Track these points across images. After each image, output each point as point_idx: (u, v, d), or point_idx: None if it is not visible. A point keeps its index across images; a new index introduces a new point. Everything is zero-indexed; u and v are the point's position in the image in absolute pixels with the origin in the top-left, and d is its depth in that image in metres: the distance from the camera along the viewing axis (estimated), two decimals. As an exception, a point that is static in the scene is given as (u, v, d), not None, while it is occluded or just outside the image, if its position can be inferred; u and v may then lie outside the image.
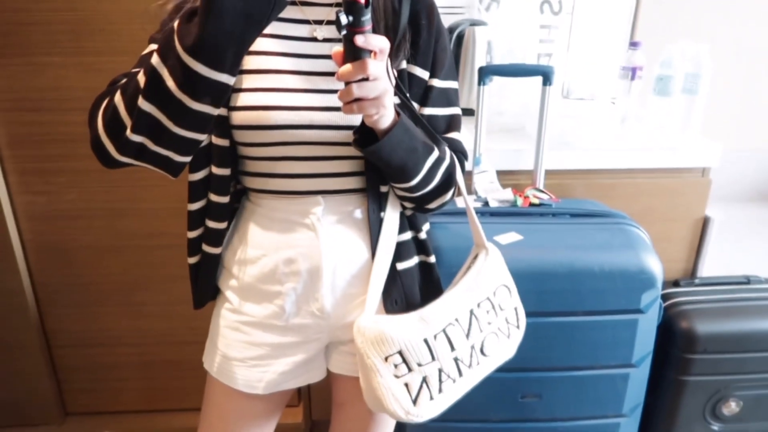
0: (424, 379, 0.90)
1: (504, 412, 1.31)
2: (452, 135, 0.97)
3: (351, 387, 1.00)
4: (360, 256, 0.93)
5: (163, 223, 1.60)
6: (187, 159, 0.82)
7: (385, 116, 0.79)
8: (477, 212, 1.35)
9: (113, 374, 1.77)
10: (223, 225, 0.94)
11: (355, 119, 0.84)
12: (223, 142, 0.88)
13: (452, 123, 0.97)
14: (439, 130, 0.96)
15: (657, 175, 1.56)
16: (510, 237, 1.25)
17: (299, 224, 0.91)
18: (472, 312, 0.95)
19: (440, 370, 0.91)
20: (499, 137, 1.58)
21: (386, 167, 0.86)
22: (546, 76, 1.37)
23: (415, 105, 0.93)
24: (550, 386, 1.29)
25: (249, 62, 0.86)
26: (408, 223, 0.98)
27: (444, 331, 0.91)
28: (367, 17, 0.71)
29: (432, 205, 0.96)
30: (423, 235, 1.00)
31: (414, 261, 0.98)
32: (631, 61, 1.64)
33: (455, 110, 0.98)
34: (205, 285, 1.00)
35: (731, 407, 1.52)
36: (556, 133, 1.53)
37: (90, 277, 1.65)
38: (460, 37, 1.74)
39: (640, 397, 1.35)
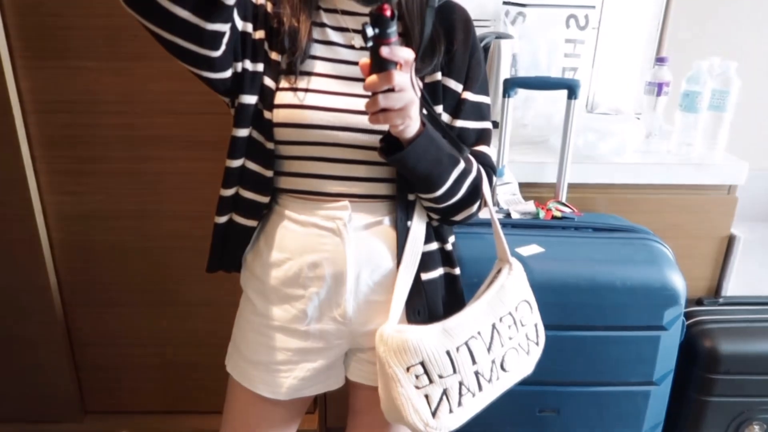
0: (445, 392, 0.90)
1: (521, 427, 1.30)
2: (481, 148, 0.98)
3: (368, 396, 1.00)
4: (385, 264, 0.94)
5: (187, 225, 1.62)
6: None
7: (411, 126, 0.81)
8: (499, 223, 1.35)
9: (133, 374, 1.80)
10: (253, 221, 0.96)
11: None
12: (269, 145, 0.91)
13: (482, 136, 0.98)
14: (468, 143, 0.96)
15: (682, 192, 1.55)
16: (531, 249, 1.25)
17: (326, 229, 0.92)
18: (494, 326, 0.95)
19: (461, 383, 0.91)
20: (522, 149, 1.58)
21: (411, 176, 0.87)
22: (571, 89, 1.37)
23: (447, 117, 0.94)
24: (569, 401, 1.28)
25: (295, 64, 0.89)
26: (434, 233, 0.99)
27: (467, 344, 0.91)
28: (393, 29, 0.73)
29: (458, 217, 0.97)
30: (449, 247, 1.01)
31: (439, 272, 0.98)
32: (658, 77, 1.63)
33: (486, 124, 0.98)
34: (222, 251, 0.99)
35: (755, 431, 1.49)
36: (579, 146, 1.53)
37: (114, 276, 1.68)
38: (486, 50, 1.75)
39: (660, 416, 1.33)
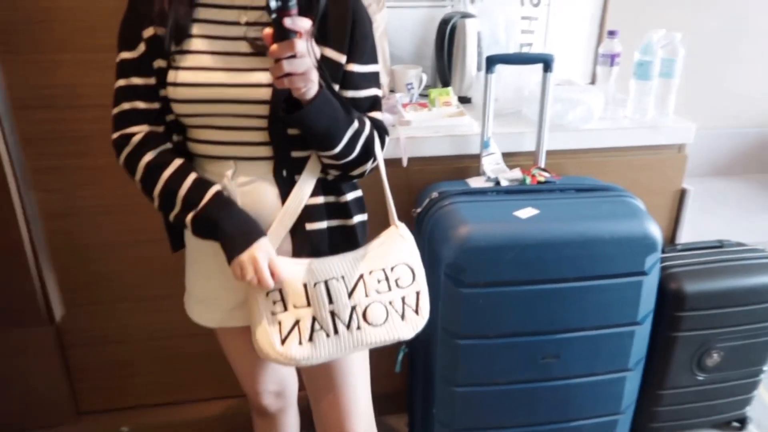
0: (297, 322, 0.99)
1: (527, 373, 1.42)
2: (374, 114, 1.08)
3: None
4: (268, 214, 1.03)
5: None
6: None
7: (311, 89, 0.90)
8: (491, 191, 1.46)
9: (127, 370, 1.78)
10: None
11: (260, 95, 0.96)
12: (170, 117, 1.03)
13: (374, 103, 1.08)
14: (361, 110, 1.06)
15: (639, 152, 1.71)
16: (528, 212, 1.36)
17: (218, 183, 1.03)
18: (362, 276, 1.03)
19: (314, 318, 1.00)
20: (497, 121, 1.68)
21: (311, 134, 0.96)
22: (547, 63, 1.48)
23: (335, 87, 1.03)
24: (567, 347, 1.41)
25: (181, 44, 0.98)
26: (326, 188, 1.07)
27: (326, 282, 1.00)
28: (294, 2, 0.82)
29: (355, 173, 1.05)
30: (345, 199, 1.09)
31: (324, 224, 1.06)
32: (610, 49, 1.78)
33: (376, 92, 1.08)
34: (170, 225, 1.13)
35: (713, 358, 1.70)
36: (549, 116, 1.65)
37: (105, 273, 1.66)
38: (453, 29, 1.84)
39: (643, 351, 1.49)
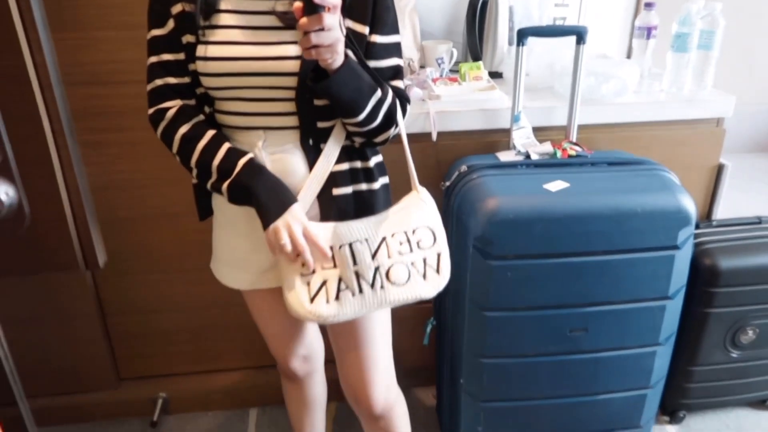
0: (324, 283, 1.04)
1: (555, 346, 1.43)
2: (396, 83, 1.11)
3: None
4: (298, 182, 1.07)
5: None
6: None
7: (337, 60, 0.94)
8: (522, 164, 1.46)
9: (165, 339, 1.85)
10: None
11: (288, 68, 1.00)
12: (200, 90, 1.07)
13: (396, 73, 1.11)
14: (384, 79, 1.07)
15: (675, 127, 1.68)
16: (558, 185, 1.36)
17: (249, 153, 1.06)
18: (384, 239, 1.07)
19: (340, 279, 1.04)
20: (528, 96, 1.67)
21: (336, 102, 1.00)
22: (580, 35, 1.46)
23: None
24: (596, 320, 1.41)
25: (210, 19, 1.01)
26: (350, 154, 1.10)
27: (350, 245, 1.04)
28: None
29: (378, 139, 1.09)
30: (369, 164, 1.12)
31: (349, 188, 1.10)
32: (647, 21, 1.74)
33: (398, 61, 1.10)
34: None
35: (748, 335, 1.67)
36: (582, 90, 1.63)
37: (143, 245, 1.72)
38: (485, 4, 1.82)
39: (674, 327, 1.48)
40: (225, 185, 1.03)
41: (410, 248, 1.08)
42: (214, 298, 1.81)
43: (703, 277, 1.59)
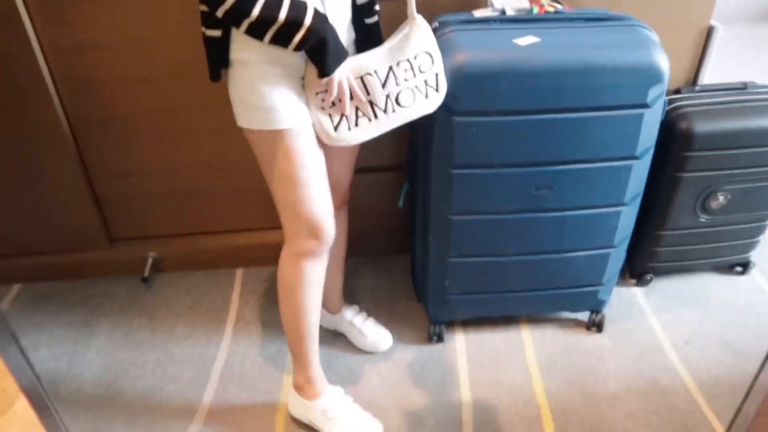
0: (343, 114, 1.20)
1: (520, 204, 1.46)
2: None
3: None
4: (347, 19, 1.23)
5: (193, 53, 1.61)
6: None
7: None
8: (495, 20, 1.41)
9: (152, 202, 1.91)
10: None
11: None
12: None
13: None
14: None
15: (665, -16, 1.60)
16: (527, 39, 1.32)
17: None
18: (391, 68, 1.20)
19: (357, 108, 1.21)
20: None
21: None
22: None
23: None
24: (561, 179, 1.43)
25: None
26: None
27: (361, 78, 1.19)
28: None
29: None
30: None
31: (375, 18, 1.28)
32: None
33: None
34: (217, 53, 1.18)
35: (719, 200, 1.69)
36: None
37: (121, 110, 1.73)
38: None
39: (640, 187, 1.49)
40: (299, 36, 1.07)
41: (414, 74, 1.22)
42: (197, 162, 1.85)
43: (678, 140, 1.59)
